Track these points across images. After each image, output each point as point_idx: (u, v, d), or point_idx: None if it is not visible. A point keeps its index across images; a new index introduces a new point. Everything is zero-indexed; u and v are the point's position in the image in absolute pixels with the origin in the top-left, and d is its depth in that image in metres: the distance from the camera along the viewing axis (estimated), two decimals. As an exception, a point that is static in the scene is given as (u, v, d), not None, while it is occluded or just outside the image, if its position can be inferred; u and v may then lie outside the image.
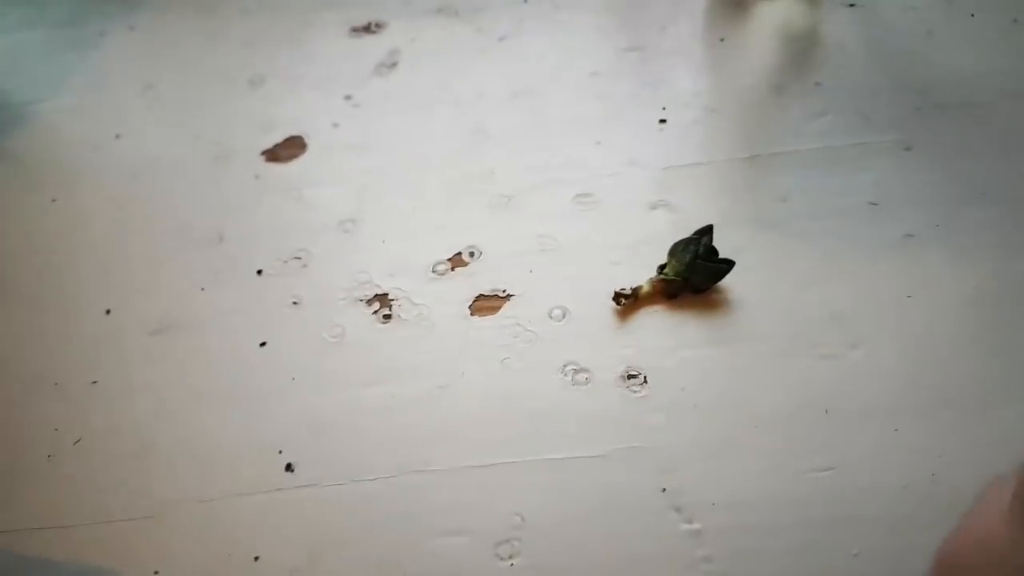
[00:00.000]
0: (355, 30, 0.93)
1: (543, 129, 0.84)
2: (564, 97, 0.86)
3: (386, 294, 0.73)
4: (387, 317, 0.72)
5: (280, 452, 0.66)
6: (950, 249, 0.71)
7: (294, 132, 0.86)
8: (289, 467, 0.65)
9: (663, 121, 0.83)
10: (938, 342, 0.67)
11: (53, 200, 0.84)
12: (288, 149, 0.85)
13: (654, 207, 0.77)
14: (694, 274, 0.70)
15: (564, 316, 0.71)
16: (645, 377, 0.67)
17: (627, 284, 0.71)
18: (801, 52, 0.87)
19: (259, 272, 0.76)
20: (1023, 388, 0.64)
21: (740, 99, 0.84)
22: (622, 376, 0.67)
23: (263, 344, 0.72)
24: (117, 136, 0.88)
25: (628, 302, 0.71)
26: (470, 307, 0.72)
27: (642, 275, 0.72)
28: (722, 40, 0.88)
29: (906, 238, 0.73)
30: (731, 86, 0.85)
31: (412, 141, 0.84)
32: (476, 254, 0.75)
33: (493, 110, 0.85)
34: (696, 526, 0.60)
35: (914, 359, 0.66)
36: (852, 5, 0.91)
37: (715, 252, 0.71)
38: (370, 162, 0.83)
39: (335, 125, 0.86)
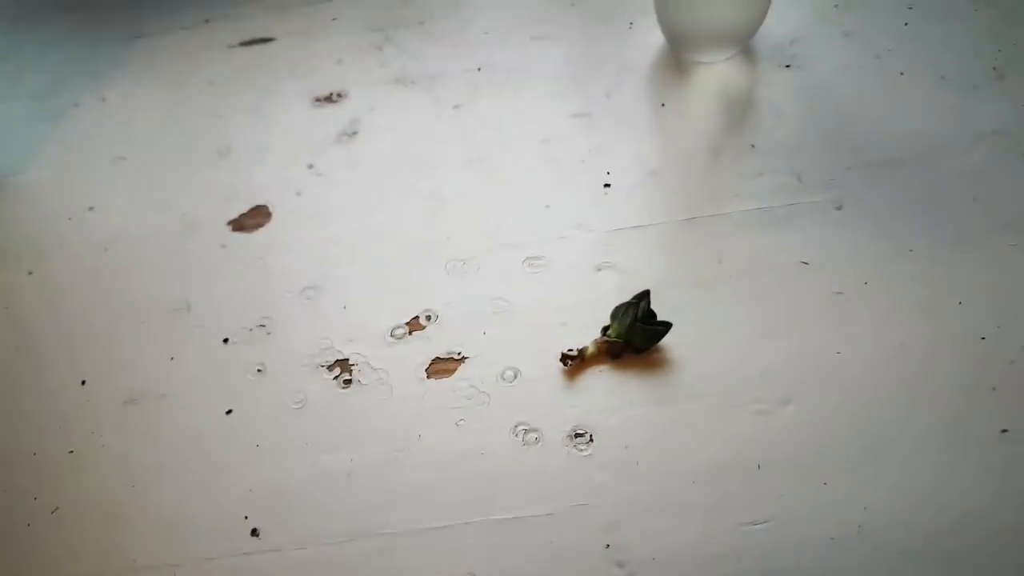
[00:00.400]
0: (317, 100, 0.97)
1: (496, 194, 0.88)
2: (516, 163, 0.91)
3: (347, 359, 0.77)
4: (347, 382, 0.76)
5: (246, 518, 0.69)
6: (877, 306, 0.76)
7: (259, 201, 0.90)
8: (255, 532, 0.69)
9: (608, 185, 0.88)
10: (865, 396, 0.71)
11: (29, 273, 0.87)
12: (254, 218, 0.89)
13: (600, 268, 0.82)
14: (634, 336, 0.74)
15: (516, 377, 0.75)
16: (591, 436, 0.71)
17: (575, 345, 0.76)
18: (738, 114, 0.92)
19: (225, 340, 0.80)
20: (945, 439, 0.68)
21: (680, 162, 0.89)
22: (569, 435, 0.71)
23: (229, 412, 0.75)
24: (90, 208, 0.92)
25: (575, 363, 0.75)
26: (427, 370, 0.76)
27: (588, 336, 0.76)
28: (663, 105, 0.93)
29: (835, 296, 0.77)
30: (672, 150, 0.90)
31: (371, 208, 0.88)
32: (433, 317, 0.79)
33: (449, 176, 0.90)
34: (637, 580, 0.64)
35: (842, 413, 0.70)
36: (787, 66, 0.96)
37: (653, 315, 0.76)
38: (331, 230, 0.87)
39: (298, 194, 0.90)
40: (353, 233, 0.86)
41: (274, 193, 0.90)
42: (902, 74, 0.95)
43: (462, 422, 0.73)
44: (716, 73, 0.96)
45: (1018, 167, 0.84)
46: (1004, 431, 0.68)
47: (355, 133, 0.94)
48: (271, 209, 0.89)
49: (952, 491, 0.66)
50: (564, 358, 0.75)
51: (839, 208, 0.84)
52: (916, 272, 0.78)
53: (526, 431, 0.72)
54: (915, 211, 0.83)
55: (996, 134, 0.86)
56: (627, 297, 0.77)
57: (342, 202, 0.89)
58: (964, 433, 0.68)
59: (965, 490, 0.65)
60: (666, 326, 0.75)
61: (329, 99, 0.97)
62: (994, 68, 0.91)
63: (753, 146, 0.90)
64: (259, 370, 0.78)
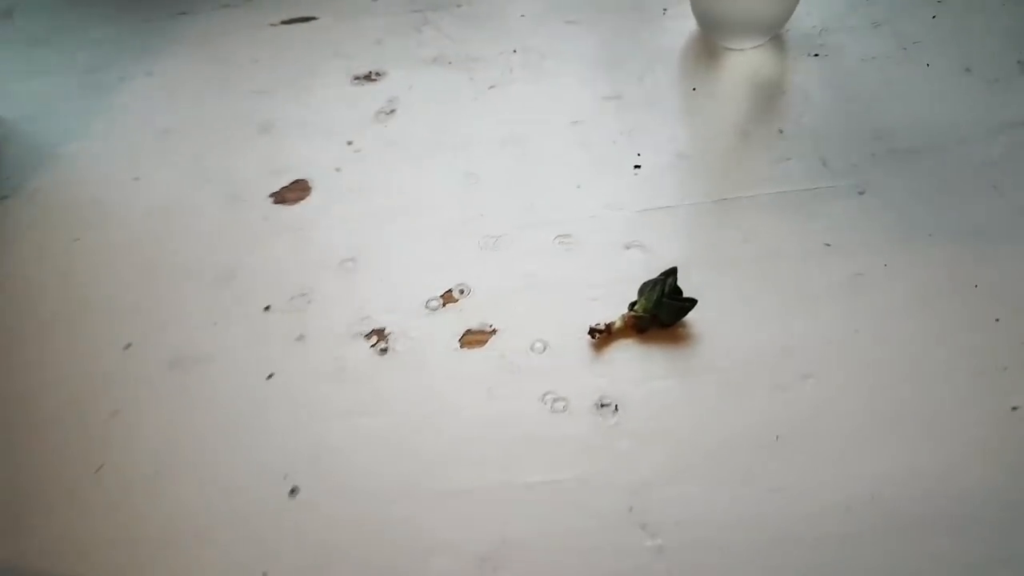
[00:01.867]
0: (357, 78, 1.00)
1: (529, 173, 0.91)
2: (548, 143, 0.93)
3: (383, 328, 0.81)
4: (384, 351, 0.80)
5: (285, 477, 0.73)
6: (895, 287, 0.79)
7: (300, 176, 0.93)
8: (294, 490, 0.73)
9: (638, 167, 0.91)
10: (882, 373, 0.74)
11: (76, 239, 0.91)
12: (294, 192, 0.92)
13: (628, 247, 0.84)
14: (661, 311, 0.77)
15: (545, 349, 0.78)
16: (616, 406, 0.74)
17: (602, 319, 0.79)
18: (767, 100, 0.95)
19: (267, 308, 0.83)
20: (957, 415, 0.71)
21: (710, 145, 0.92)
22: (596, 405, 0.75)
23: (270, 376, 0.79)
24: (135, 179, 0.95)
25: (602, 336, 0.78)
26: (460, 340, 0.80)
27: (616, 311, 0.79)
28: (694, 89, 0.96)
29: (855, 277, 0.80)
30: (702, 133, 0.93)
31: (408, 184, 0.91)
32: (466, 291, 0.83)
33: (484, 156, 0.93)
34: (659, 542, 0.67)
35: (859, 388, 0.73)
36: (816, 55, 0.98)
37: (679, 292, 0.78)
38: (369, 204, 0.90)
39: (338, 169, 0.93)
40: (390, 208, 0.90)
41: (314, 168, 0.94)
42: (928, 65, 0.96)
43: (493, 389, 0.76)
44: (747, 60, 0.98)
45: (1040, 157, 0.86)
46: (1015, 408, 0.70)
47: (393, 111, 0.97)
48: (311, 184, 0.93)
49: (962, 465, 0.68)
50: (592, 331, 0.78)
51: (862, 193, 0.86)
52: (934, 256, 0.80)
53: (555, 399, 0.75)
54: (936, 198, 0.85)
55: (1018, 126, 0.88)
56: (654, 275, 0.80)
57: (380, 178, 0.92)
58: (975, 410, 0.71)
59: (975, 464, 0.68)
60: (692, 302, 0.78)
61: (368, 78, 1.00)
62: (1019, 62, 0.93)
63: (781, 131, 0.92)
64: (299, 338, 0.81)
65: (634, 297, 0.80)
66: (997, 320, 0.76)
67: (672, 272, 0.78)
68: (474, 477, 0.72)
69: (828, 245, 0.82)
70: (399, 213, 0.89)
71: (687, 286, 0.79)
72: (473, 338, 0.80)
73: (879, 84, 0.95)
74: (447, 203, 0.89)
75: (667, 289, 0.78)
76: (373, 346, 0.80)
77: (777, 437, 0.71)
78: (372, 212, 0.89)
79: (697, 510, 0.68)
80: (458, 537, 0.69)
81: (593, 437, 0.73)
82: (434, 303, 0.82)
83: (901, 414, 0.71)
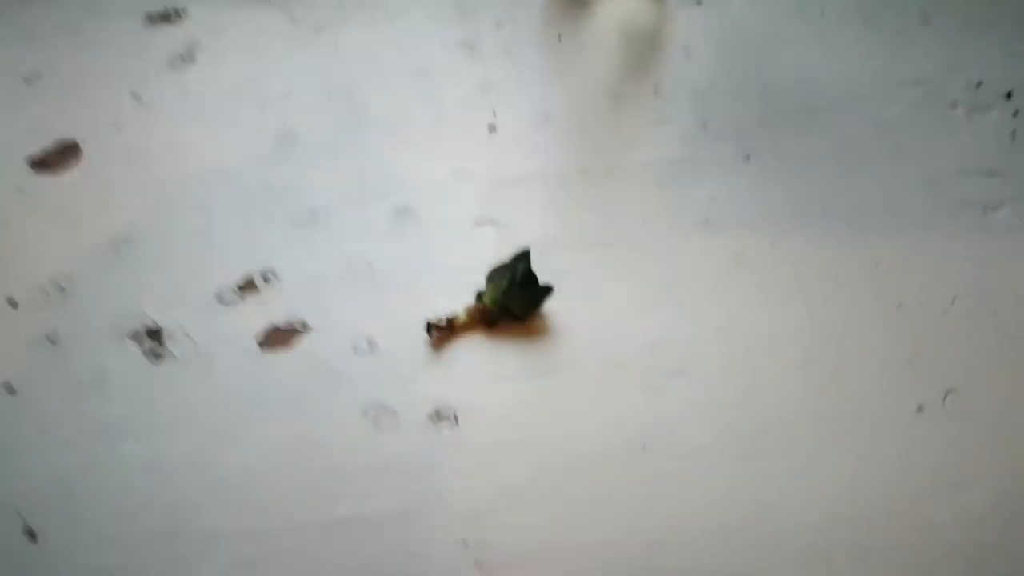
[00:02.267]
0: (151, 18, 0.82)
1: (360, 134, 0.75)
2: (386, 97, 0.78)
3: (159, 328, 0.64)
4: (158, 356, 0.62)
5: (19, 515, 0.55)
6: (784, 270, 0.67)
7: (69, 136, 0.75)
8: (31, 533, 0.55)
9: (493, 128, 0.76)
10: (766, 371, 0.62)
11: None
12: (60, 157, 0.73)
13: (479, 224, 0.70)
14: (512, 302, 0.63)
15: (371, 350, 0.63)
16: (456, 416, 0.60)
17: (443, 313, 0.64)
18: (642, 54, 0.82)
19: (11, 302, 0.65)
20: (855, 421, 0.59)
21: (576, 105, 0.78)
22: (431, 416, 0.60)
23: (11, 389, 0.61)
24: None
25: (443, 333, 0.63)
26: (260, 342, 0.63)
27: (461, 302, 0.65)
28: (560, 39, 0.82)
29: (737, 257, 0.68)
30: (567, 90, 0.79)
31: (207, 147, 0.74)
32: (272, 278, 0.66)
33: (304, 111, 0.77)
34: (499, 586, 0.53)
35: (738, 390, 0.61)
36: (698, 2, 0.86)
37: (534, 278, 0.64)
38: (156, 171, 0.73)
39: (117, 128, 0.75)
40: (181, 176, 0.72)
41: (88, 127, 0.75)
42: (822, 15, 0.86)
43: (301, 404, 0.60)
44: (619, 6, 0.85)
45: (942, 119, 0.76)
46: (920, 409, 0.60)
47: (193, 58, 0.79)
48: (82, 146, 0.74)
49: (862, 482, 0.57)
50: (430, 327, 0.63)
51: (747, 160, 0.74)
52: (828, 235, 0.69)
53: (380, 413, 0.60)
54: (829, 166, 0.74)
55: (920, 83, 0.78)
56: (511, 257, 0.65)
57: (171, 139, 0.75)
58: (875, 413, 0.60)
59: (878, 480, 0.57)
60: (547, 291, 0.64)
61: (165, 18, 0.82)
62: (922, 12, 0.83)
63: (657, 90, 0.79)
64: (51, 339, 0.63)
65: (483, 285, 0.65)
66: (900, 305, 0.65)
67: (524, 256, 0.64)
68: (269, 516, 0.56)
69: (707, 221, 0.70)
70: (191, 183, 0.72)
71: (546, 271, 0.65)
72: (278, 338, 0.63)
73: (769, 36, 0.84)
74: (253, 170, 0.73)
75: (519, 276, 0.64)
76: (145, 350, 0.63)
77: (644, 448, 0.58)
78: (156, 181, 0.72)
79: (544, 541, 0.55)
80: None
81: (425, 457, 0.58)
82: (229, 294, 0.65)
83: (789, 421, 0.60)
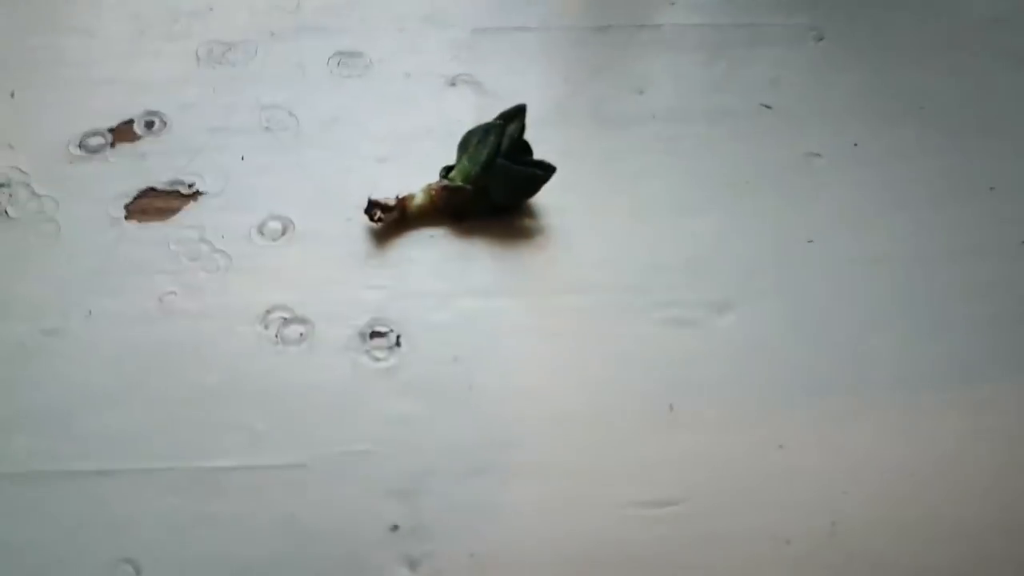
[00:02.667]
0: None
1: (305, -44, 0.56)
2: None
3: (-4, 177, 0.45)
4: (-14, 213, 0.43)
5: None
6: (871, 179, 0.49)
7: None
8: None
9: (485, -37, 0.57)
10: (842, 310, 0.44)
11: None
12: None
13: (452, 83, 0.51)
14: (493, 181, 0.44)
15: (284, 232, 0.44)
16: (398, 337, 0.41)
17: (393, 191, 0.45)
18: None
19: None
20: (941, 391, 0.42)
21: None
22: (361, 334, 0.41)
23: None
24: None
25: (390, 217, 0.44)
26: (128, 205, 0.44)
27: (418, 179, 0.46)
28: None
29: (810, 158, 0.49)
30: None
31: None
32: (158, 124, 0.47)
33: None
34: (435, 587, 0.35)
35: (802, 333, 0.43)
36: None
37: (527, 150, 0.46)
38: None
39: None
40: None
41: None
42: None
43: (172, 296, 0.41)
44: None
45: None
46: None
47: None
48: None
49: (965, 453, 0.39)
50: (374, 207, 0.44)
51: (820, 39, 0.56)
52: (928, 138, 0.51)
53: (285, 321, 0.41)
54: (931, 55, 0.56)
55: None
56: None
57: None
58: (981, 373, 0.42)
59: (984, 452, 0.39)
60: (546, 170, 0.45)
61: None
62: None
63: (706, -61, 0.60)
64: None
65: (450, 160, 0.46)
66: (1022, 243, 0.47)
67: (518, 113, 0.45)
68: (103, 452, 0.37)
69: (768, 107, 0.52)
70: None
71: (541, 147, 0.46)
72: (153, 203, 0.44)
73: None
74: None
75: (506, 143, 0.45)
76: (-35, 204, 0.44)
77: (671, 407, 0.40)
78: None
79: (513, 531, 0.37)
80: (55, 566, 0.34)
81: (348, 390, 0.40)
82: (96, 140, 0.46)
83: (866, 375, 0.42)
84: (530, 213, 0.46)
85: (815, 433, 0.40)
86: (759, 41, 0.55)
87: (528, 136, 0.46)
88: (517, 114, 0.45)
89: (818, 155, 0.50)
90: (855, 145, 0.50)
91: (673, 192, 0.48)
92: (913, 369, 0.42)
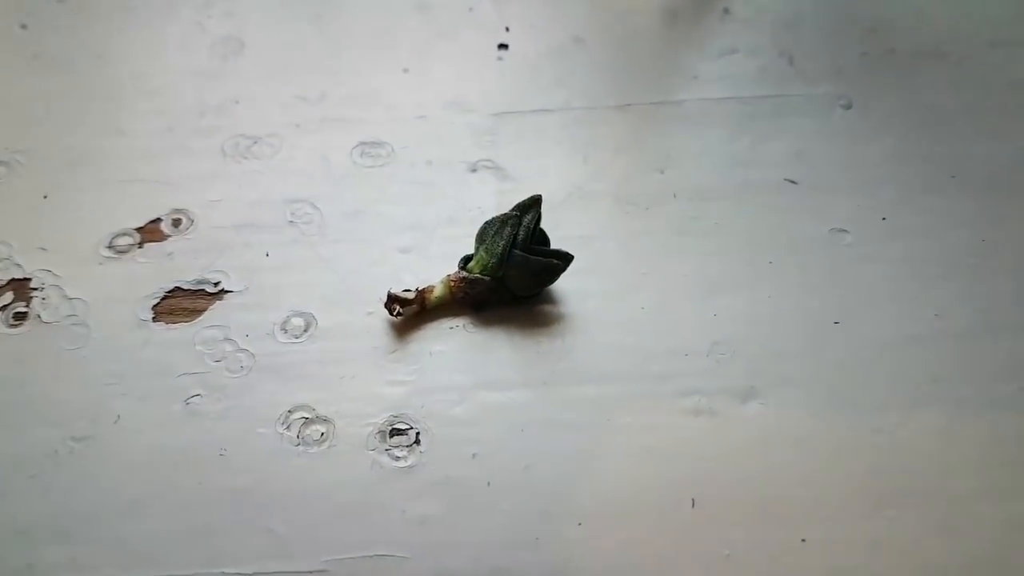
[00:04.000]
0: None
1: (327, 45, 0.57)
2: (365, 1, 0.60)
3: (27, 279, 0.46)
4: (20, 316, 0.45)
5: None
6: (901, 255, 0.48)
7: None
8: None
9: (504, 47, 0.58)
10: (874, 396, 0.43)
11: None
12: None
13: (474, 168, 0.51)
14: (510, 272, 0.44)
15: (307, 329, 0.45)
16: (418, 435, 0.41)
17: (412, 284, 0.46)
18: (709, -33, 0.62)
19: None
20: (990, 465, 0.40)
21: (618, 24, 0.59)
22: (381, 432, 0.42)
23: None
24: None
25: (410, 311, 0.45)
26: (156, 307, 0.45)
27: (437, 270, 0.46)
28: (601, -58, 0.63)
29: (836, 234, 0.48)
30: (606, 6, 0.60)
31: (128, 52, 0.56)
32: (185, 223, 0.48)
33: (255, 12, 0.59)
34: None
35: (830, 421, 0.42)
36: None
37: (545, 239, 0.46)
38: (57, 81, 0.55)
39: (24, 27, 0.58)
40: (89, 87, 0.55)
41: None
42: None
43: (197, 399, 0.42)
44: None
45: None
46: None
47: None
48: (-26, 44, 0.57)
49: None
50: (393, 301, 0.44)
51: (847, 107, 0.55)
52: (959, 208, 0.50)
53: (306, 421, 0.42)
54: (958, 122, 0.54)
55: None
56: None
57: (83, 42, 0.57)
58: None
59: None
60: (564, 259, 0.45)
61: None
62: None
63: (727, 11, 0.60)
64: None
65: (472, 247, 0.46)
66: (1062, 314, 0.45)
67: (533, 205, 0.45)
68: (138, 560, 0.38)
69: (793, 182, 0.51)
70: (101, 95, 0.54)
71: (559, 234, 0.46)
72: (180, 304, 0.45)
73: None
74: (183, 82, 0.55)
75: (523, 234, 0.45)
76: (3, 308, 0.45)
77: (693, 502, 0.39)
78: (57, 93, 0.54)
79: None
80: None
81: (368, 493, 0.40)
82: (125, 240, 0.48)
83: (906, 474, 0.40)
84: (550, 300, 0.46)
85: (842, 528, 0.39)
86: (783, 113, 0.54)
87: (548, 219, 0.46)
88: (532, 205, 0.45)
89: (845, 231, 0.49)
90: (883, 219, 0.49)
91: (695, 274, 0.47)
92: (955, 456, 0.41)
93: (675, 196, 0.50)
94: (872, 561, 0.38)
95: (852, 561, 0.38)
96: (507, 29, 0.58)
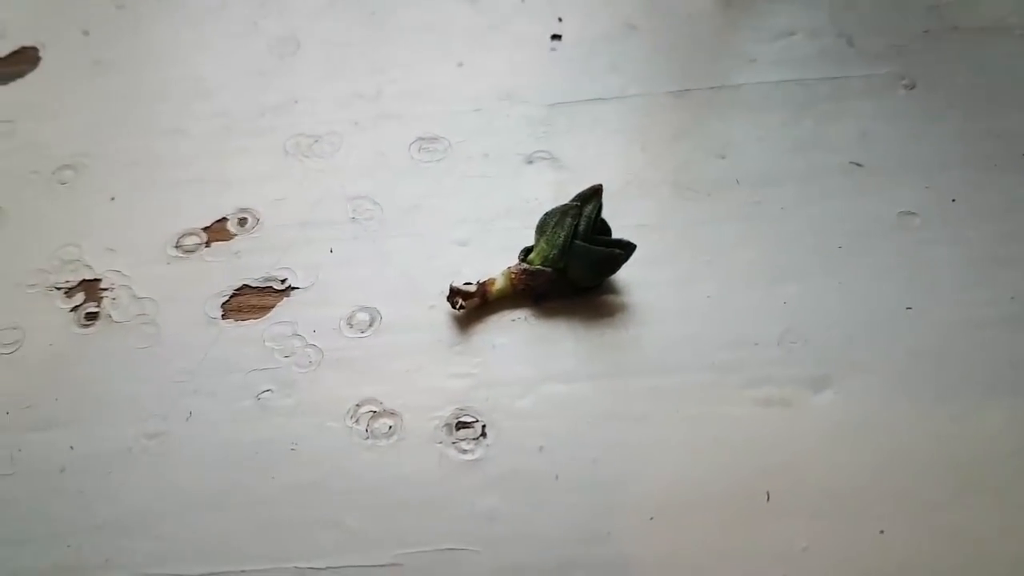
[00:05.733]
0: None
1: (382, 41, 0.58)
2: (419, -1, 0.60)
3: (98, 280, 0.47)
4: (91, 316, 0.46)
5: None
6: (971, 237, 0.46)
7: (27, 42, 0.59)
8: None
9: (557, 37, 0.57)
10: (949, 382, 0.41)
11: None
12: (12, 65, 0.58)
13: (531, 160, 0.51)
14: (572, 263, 0.44)
15: (372, 324, 0.45)
16: (484, 427, 0.42)
17: (474, 276, 0.46)
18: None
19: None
20: None
21: (671, 9, 0.58)
22: (448, 425, 0.42)
23: None
24: None
25: (472, 304, 0.45)
26: (224, 304, 0.46)
27: (498, 263, 0.46)
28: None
29: (904, 217, 0.47)
30: (660, -8, 0.59)
31: (187, 55, 0.57)
32: (251, 221, 0.49)
33: (312, 11, 0.59)
34: None
35: (905, 409, 0.41)
36: None
37: (606, 229, 0.45)
38: (121, 83, 0.56)
39: (86, 33, 0.59)
40: (151, 90, 0.56)
41: (50, 30, 0.59)
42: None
43: (268, 394, 0.43)
44: None
45: None
46: None
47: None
48: (41, 52, 0.58)
49: None
50: (455, 295, 0.44)
51: (910, 88, 0.53)
52: (1033, 188, 0.48)
53: (375, 415, 0.42)
54: (1027, 100, 0.52)
55: None
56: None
57: (146, 45, 0.58)
58: None
59: None
60: (626, 248, 0.44)
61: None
62: None
63: (783, -8, 0.59)
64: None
65: (530, 239, 0.46)
66: None
67: (594, 195, 0.45)
68: (210, 556, 0.39)
69: (858, 165, 0.50)
70: (162, 97, 0.55)
71: (621, 223, 0.46)
72: (248, 301, 0.46)
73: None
74: (241, 83, 0.56)
75: (583, 225, 0.44)
76: (75, 309, 0.46)
77: (768, 495, 0.39)
78: (121, 95, 0.56)
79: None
80: None
81: (436, 485, 0.40)
82: (192, 239, 0.48)
83: (976, 457, 0.39)
84: (612, 290, 0.46)
85: (921, 518, 0.38)
86: (846, 95, 0.53)
87: (608, 209, 0.46)
88: (593, 195, 0.45)
89: (914, 213, 0.47)
90: (953, 201, 0.48)
91: (760, 261, 0.46)
92: (1033, 444, 0.40)
93: (737, 182, 0.49)
94: (953, 551, 0.37)
95: (932, 552, 0.37)
96: (559, 19, 0.58)
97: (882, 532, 0.38)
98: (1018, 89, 0.53)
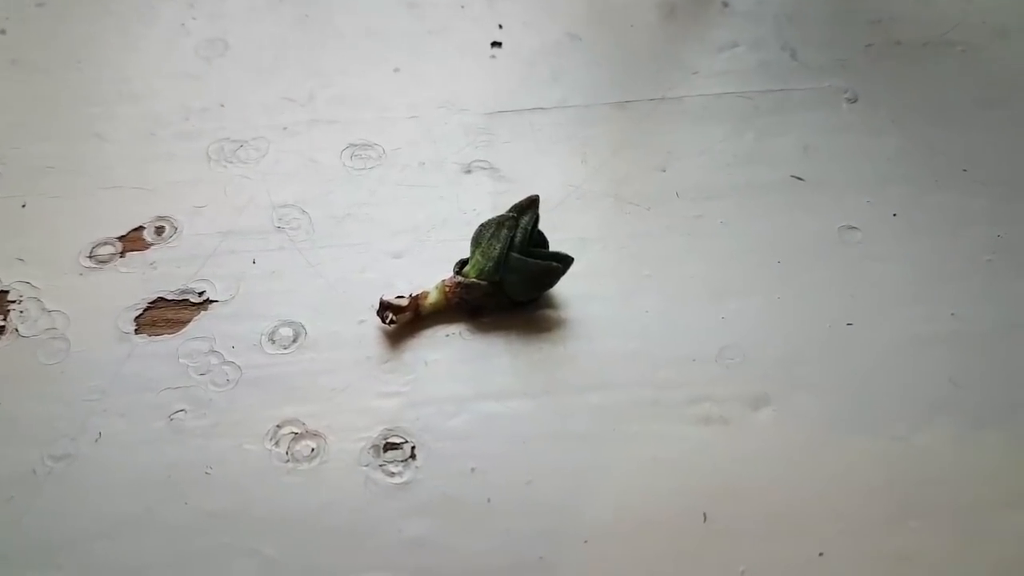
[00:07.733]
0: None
1: (315, 45, 0.56)
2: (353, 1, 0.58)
3: (5, 292, 0.44)
4: (-4, 331, 0.43)
5: None
6: (913, 252, 0.46)
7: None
8: None
9: (497, 44, 0.56)
10: (889, 400, 0.41)
11: None
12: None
13: (469, 170, 0.50)
14: (508, 276, 0.42)
15: (295, 340, 0.43)
16: (413, 449, 0.39)
17: (405, 290, 0.44)
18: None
19: None
20: (1013, 472, 0.38)
21: (614, 19, 0.57)
22: (375, 447, 0.40)
23: None
24: None
25: (403, 319, 0.43)
26: (138, 318, 0.43)
27: (432, 275, 0.44)
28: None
29: (846, 232, 0.47)
30: (602, 1, 0.58)
31: (111, 56, 0.55)
32: (168, 230, 0.46)
33: (241, 13, 0.57)
34: None
35: (845, 428, 0.40)
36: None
37: (543, 242, 0.44)
38: (40, 85, 0.53)
39: (3, 32, 0.56)
40: (67, 91, 0.53)
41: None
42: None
43: (181, 414, 0.40)
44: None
45: None
46: None
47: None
48: (-49, 49, 0.55)
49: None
50: (386, 309, 0.42)
51: (852, 101, 0.53)
52: (974, 203, 0.48)
53: (296, 436, 0.40)
54: (969, 114, 0.53)
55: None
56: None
57: (65, 45, 0.55)
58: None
59: None
60: (563, 261, 0.43)
61: None
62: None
63: (726, 3, 0.58)
64: None
65: (467, 251, 0.44)
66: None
67: (530, 206, 0.43)
68: (109, 591, 0.36)
69: (799, 179, 0.49)
70: (79, 99, 0.52)
71: (558, 235, 0.45)
72: (163, 315, 0.44)
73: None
74: (165, 85, 0.53)
75: (520, 236, 0.43)
76: (-22, 323, 0.43)
77: (705, 516, 0.37)
78: (37, 98, 0.53)
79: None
80: None
81: (361, 512, 0.38)
82: (106, 249, 0.46)
83: (917, 481, 0.38)
84: (550, 304, 0.44)
85: (861, 540, 0.37)
86: (788, 108, 0.52)
87: (547, 221, 0.44)
88: (530, 206, 0.43)
89: (855, 228, 0.47)
90: (894, 215, 0.47)
91: (700, 275, 0.45)
92: (976, 463, 0.39)
93: (678, 195, 0.48)
94: (894, 574, 0.36)
95: (872, 575, 0.36)
96: (500, 26, 0.56)
97: (821, 555, 0.36)
98: (960, 104, 0.53)
